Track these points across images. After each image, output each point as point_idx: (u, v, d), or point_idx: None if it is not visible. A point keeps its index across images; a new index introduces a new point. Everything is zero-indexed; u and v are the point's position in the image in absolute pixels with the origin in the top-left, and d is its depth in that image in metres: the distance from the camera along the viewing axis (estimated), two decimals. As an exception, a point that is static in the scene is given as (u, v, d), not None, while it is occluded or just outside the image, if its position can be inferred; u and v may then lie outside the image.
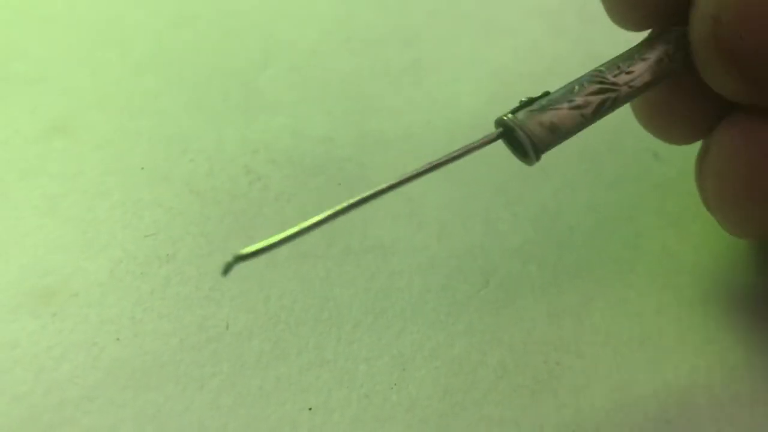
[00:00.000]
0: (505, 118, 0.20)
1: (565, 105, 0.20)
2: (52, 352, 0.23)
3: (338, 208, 0.19)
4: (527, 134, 0.20)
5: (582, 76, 0.20)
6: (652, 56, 0.20)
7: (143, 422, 0.22)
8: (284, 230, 0.18)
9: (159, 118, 0.29)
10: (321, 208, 0.27)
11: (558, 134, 0.20)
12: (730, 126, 0.21)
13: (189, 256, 0.25)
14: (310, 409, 0.22)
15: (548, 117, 0.20)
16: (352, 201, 0.19)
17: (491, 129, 0.30)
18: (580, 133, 0.30)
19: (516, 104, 0.20)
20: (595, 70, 0.20)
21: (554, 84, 0.31)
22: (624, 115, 0.30)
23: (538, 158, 0.20)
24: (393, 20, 0.33)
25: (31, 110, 0.29)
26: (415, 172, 0.19)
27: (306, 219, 0.27)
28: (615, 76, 0.20)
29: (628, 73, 0.20)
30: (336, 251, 0.26)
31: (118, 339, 0.23)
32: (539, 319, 0.24)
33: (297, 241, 0.26)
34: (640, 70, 0.20)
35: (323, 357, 0.23)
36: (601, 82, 0.20)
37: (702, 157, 0.23)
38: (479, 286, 0.25)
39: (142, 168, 0.27)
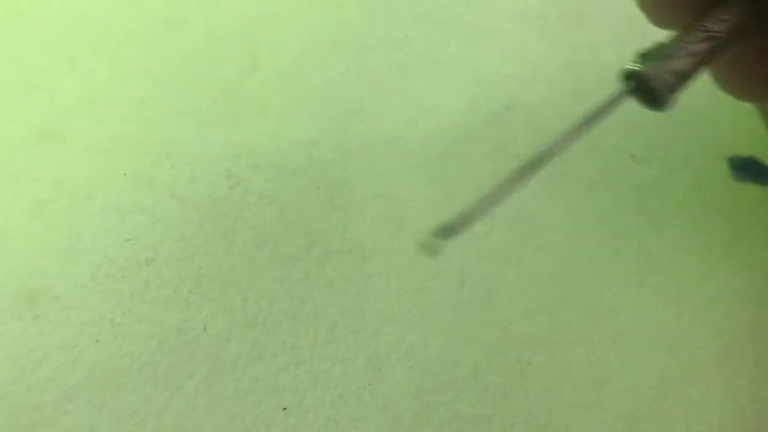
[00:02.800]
0: (637, 69, 0.21)
1: (682, 53, 0.21)
2: (33, 354, 0.23)
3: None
4: (661, 81, 0.20)
5: (687, 28, 0.21)
6: (737, 5, 0.21)
7: (121, 422, 0.22)
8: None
9: (145, 124, 0.29)
10: (301, 211, 0.27)
11: (684, 80, 0.21)
12: None
13: (168, 259, 0.25)
14: (284, 409, 0.23)
15: (674, 66, 0.20)
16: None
17: (475, 132, 0.30)
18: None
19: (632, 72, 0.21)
20: (697, 22, 0.21)
21: (539, 87, 0.32)
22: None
23: (671, 104, 0.21)
24: (378, 26, 0.33)
25: (20, 117, 0.29)
26: (562, 138, 0.20)
27: (286, 222, 0.27)
28: (715, 24, 0.21)
29: (722, 20, 0.21)
30: (315, 253, 0.26)
31: (97, 341, 0.24)
32: (514, 319, 0.25)
33: (277, 242, 0.26)
34: (731, 17, 0.21)
35: (299, 357, 0.24)
36: (705, 31, 0.21)
37: None
38: (455, 286, 0.26)
39: (125, 174, 0.28)
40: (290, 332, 0.24)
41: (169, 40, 0.32)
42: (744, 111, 0.29)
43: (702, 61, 0.21)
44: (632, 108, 0.30)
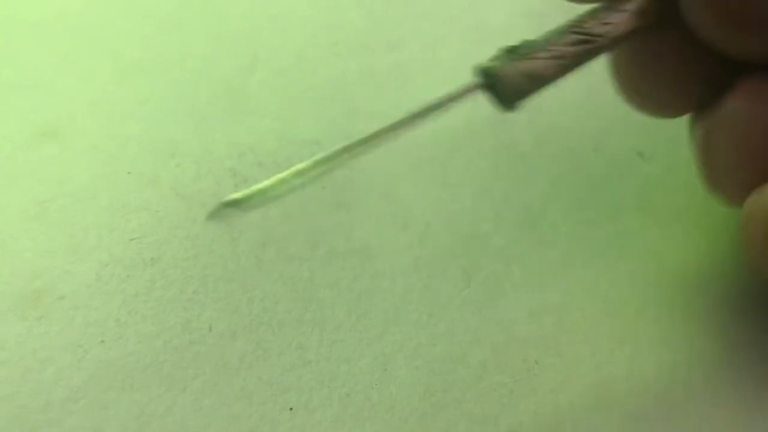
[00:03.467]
0: (485, 66, 0.20)
1: (544, 54, 0.20)
2: (37, 354, 0.23)
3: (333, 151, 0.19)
4: (507, 81, 0.20)
5: (560, 26, 0.21)
6: (630, 8, 0.20)
7: (127, 423, 0.22)
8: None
9: (147, 122, 0.29)
10: (306, 211, 0.27)
11: (537, 82, 0.20)
12: (746, 91, 0.21)
13: (174, 259, 0.25)
14: (291, 409, 0.23)
15: (528, 66, 0.20)
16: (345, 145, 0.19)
17: (479, 131, 0.30)
18: (565, 134, 0.30)
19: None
20: (574, 20, 0.21)
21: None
22: (609, 114, 0.30)
23: (513, 107, 0.20)
24: (379, 24, 0.33)
25: (21, 116, 0.29)
26: (395, 122, 0.20)
27: (291, 222, 0.27)
28: (594, 27, 0.20)
29: (606, 24, 0.20)
30: (321, 253, 0.26)
31: (102, 341, 0.24)
32: (520, 319, 0.25)
33: (282, 242, 0.26)
34: (618, 20, 0.20)
35: (305, 357, 0.24)
36: (578, 33, 0.20)
37: (707, 130, 0.22)
38: (462, 286, 0.25)
39: (129, 172, 0.27)
40: (296, 332, 0.24)
41: (170, 38, 0.32)
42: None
43: (565, 64, 0.20)
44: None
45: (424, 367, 0.24)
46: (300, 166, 0.19)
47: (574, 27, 0.20)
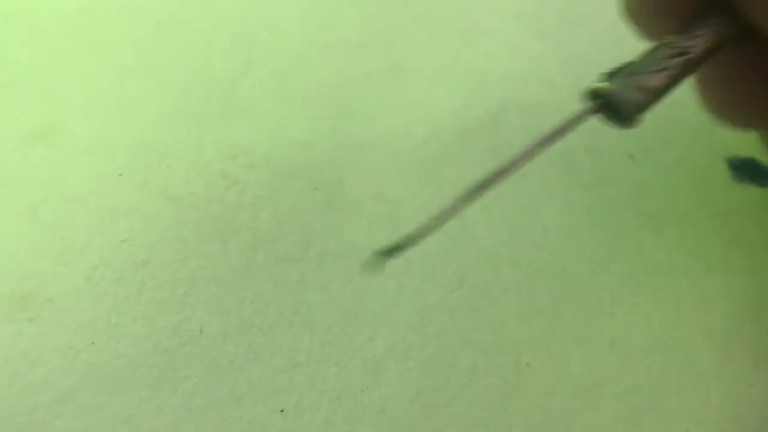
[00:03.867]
0: (600, 87, 0.21)
1: (652, 70, 0.20)
2: (27, 356, 0.23)
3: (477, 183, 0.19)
4: (623, 100, 0.20)
5: (651, 47, 0.21)
6: (714, 21, 0.21)
7: (116, 425, 0.22)
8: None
9: (139, 124, 0.29)
10: (297, 212, 0.27)
11: (652, 95, 0.20)
12: None
13: (164, 261, 0.25)
14: (281, 411, 0.23)
15: (640, 82, 0.20)
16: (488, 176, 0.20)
17: (471, 133, 0.30)
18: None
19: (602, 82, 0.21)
20: (662, 41, 0.21)
21: (535, 87, 0.32)
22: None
23: (633, 122, 0.21)
24: (372, 26, 0.33)
25: (13, 117, 0.29)
26: (519, 156, 0.20)
27: (282, 223, 0.27)
28: (690, 40, 0.21)
29: (701, 36, 0.21)
30: (312, 255, 0.26)
31: (93, 343, 0.23)
32: (511, 321, 0.25)
33: (273, 244, 0.26)
34: (705, 33, 0.21)
35: (296, 360, 0.24)
36: (678, 47, 0.21)
37: None
38: (453, 288, 0.25)
39: (120, 174, 0.27)
40: (286, 334, 0.24)
41: (163, 40, 0.32)
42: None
43: (672, 77, 0.21)
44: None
45: (414, 370, 0.24)
46: (441, 210, 0.19)
47: (667, 44, 0.21)
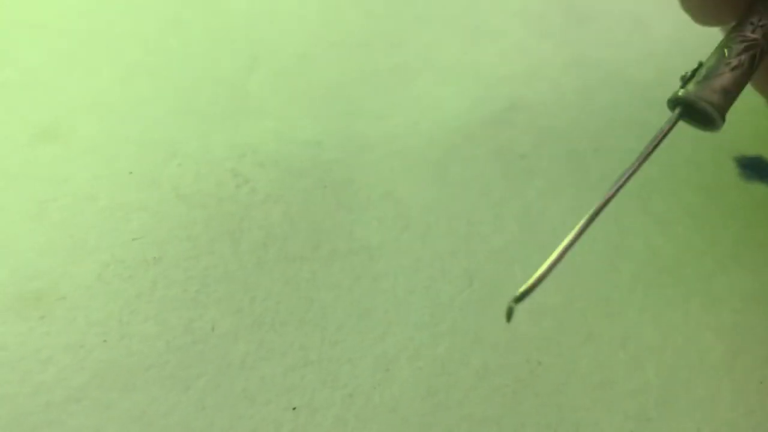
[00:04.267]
0: (681, 95, 0.21)
1: (725, 69, 0.21)
2: (39, 354, 0.23)
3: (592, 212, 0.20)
4: (709, 102, 0.20)
5: (722, 42, 0.21)
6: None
7: (129, 423, 0.22)
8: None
9: (148, 123, 0.29)
10: (307, 211, 0.27)
11: (731, 95, 0.21)
12: None
13: (176, 259, 0.25)
14: (294, 408, 0.23)
15: (717, 83, 0.21)
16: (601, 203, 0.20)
17: (478, 132, 0.30)
18: (565, 135, 0.30)
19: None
20: (732, 33, 0.22)
21: (541, 86, 0.32)
22: (609, 116, 0.31)
23: (723, 121, 0.21)
24: (379, 25, 0.33)
25: (21, 116, 0.29)
26: (622, 178, 0.21)
27: (293, 222, 0.27)
28: (753, 32, 0.21)
29: (762, 26, 0.21)
30: (322, 253, 0.26)
31: (105, 341, 0.23)
32: (522, 319, 0.25)
33: (284, 242, 0.26)
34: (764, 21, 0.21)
35: (307, 358, 0.24)
36: (744, 41, 0.21)
37: None
38: (463, 286, 0.25)
39: (131, 172, 0.27)
40: (298, 332, 0.24)
41: (171, 39, 0.32)
42: (751, 110, 0.29)
43: (745, 72, 0.21)
44: (636, 107, 0.30)
45: (426, 368, 0.24)
46: (562, 246, 0.20)
47: (737, 38, 0.21)
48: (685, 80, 0.21)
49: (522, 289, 0.19)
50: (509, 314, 0.19)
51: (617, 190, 0.21)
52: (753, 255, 0.26)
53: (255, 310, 0.24)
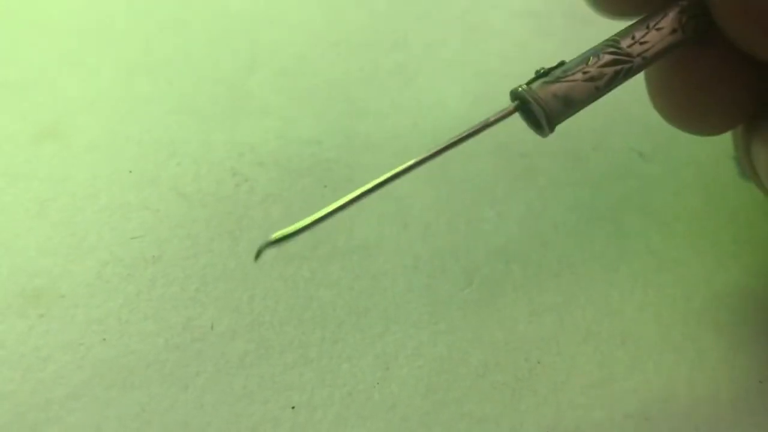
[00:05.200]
0: (520, 89, 0.20)
1: (579, 76, 0.20)
2: (38, 352, 0.23)
3: (367, 187, 0.19)
4: (542, 106, 0.19)
5: (597, 46, 0.20)
6: (666, 26, 0.20)
7: (128, 421, 0.22)
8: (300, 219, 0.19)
9: (148, 122, 0.29)
10: (307, 209, 0.27)
11: (572, 106, 0.20)
12: None
13: (175, 257, 0.25)
14: (293, 407, 0.23)
15: (562, 88, 0.19)
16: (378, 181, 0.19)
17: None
18: (565, 133, 0.30)
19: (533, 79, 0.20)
20: (610, 39, 0.20)
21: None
22: (609, 114, 0.30)
23: (551, 130, 0.20)
24: (380, 24, 0.33)
25: (22, 115, 0.29)
26: (433, 151, 0.20)
27: (293, 221, 0.27)
28: (629, 46, 0.20)
29: (642, 43, 0.20)
30: (321, 252, 0.26)
31: (104, 339, 0.24)
32: (521, 318, 0.25)
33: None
34: (654, 40, 0.20)
35: (307, 356, 0.24)
36: (615, 53, 0.20)
37: (753, 140, 0.21)
38: (462, 285, 0.25)
39: (130, 171, 0.27)
40: (297, 331, 0.24)
41: (171, 38, 0.32)
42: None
43: (601, 87, 0.19)
44: (640, 105, 0.30)
45: (425, 367, 0.24)
46: (332, 206, 0.19)
47: (609, 47, 0.20)
48: (537, 75, 0.20)
49: (279, 234, 0.18)
50: (258, 254, 0.18)
51: (415, 165, 0.20)
52: (753, 254, 0.26)
53: (254, 309, 0.25)
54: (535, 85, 0.20)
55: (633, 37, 0.20)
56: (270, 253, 0.26)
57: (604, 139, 0.30)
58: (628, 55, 0.20)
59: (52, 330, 0.24)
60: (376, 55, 0.32)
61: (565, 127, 0.31)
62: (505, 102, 0.30)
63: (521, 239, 0.27)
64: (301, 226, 0.19)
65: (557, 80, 0.20)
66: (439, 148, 0.20)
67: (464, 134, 0.20)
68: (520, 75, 0.32)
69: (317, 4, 0.33)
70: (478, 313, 0.25)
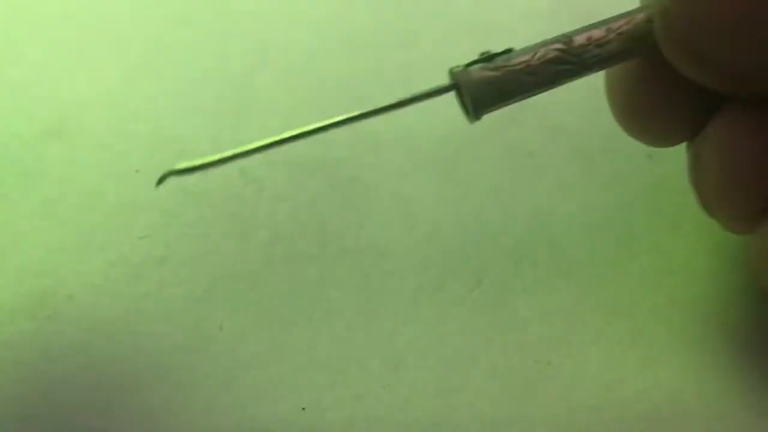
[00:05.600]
0: (456, 69, 0.19)
1: (520, 68, 0.19)
2: (47, 354, 0.23)
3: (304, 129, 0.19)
4: (471, 91, 0.19)
5: (549, 39, 0.19)
6: (627, 32, 0.19)
7: (137, 423, 0.22)
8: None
9: (155, 120, 0.29)
10: (315, 209, 0.27)
11: (504, 97, 0.19)
12: (727, 118, 0.20)
13: (183, 257, 0.25)
14: (303, 408, 0.23)
15: (497, 76, 0.19)
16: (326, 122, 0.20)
17: (488, 131, 0.30)
18: (574, 134, 0.30)
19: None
20: (566, 35, 0.19)
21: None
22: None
23: (478, 117, 0.19)
24: (388, 22, 0.33)
25: (28, 114, 0.29)
26: (363, 112, 0.19)
27: (300, 221, 0.27)
28: (582, 46, 0.19)
29: (598, 46, 0.19)
30: (330, 252, 0.26)
31: (112, 340, 0.23)
32: (531, 319, 0.25)
33: (291, 241, 0.26)
34: (610, 46, 0.19)
35: (316, 357, 0.24)
36: (563, 51, 0.19)
37: (696, 157, 0.22)
38: (472, 286, 0.25)
39: (137, 170, 0.27)
40: (306, 332, 0.24)
41: (178, 36, 0.32)
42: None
43: (539, 83, 0.19)
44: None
45: (435, 368, 0.24)
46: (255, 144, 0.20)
47: (559, 44, 0.19)
48: (480, 58, 0.19)
49: (185, 164, 0.18)
50: (160, 180, 0.18)
51: (342, 122, 0.20)
52: (763, 255, 0.26)
53: (263, 309, 0.24)
54: (473, 68, 0.19)
55: (589, 38, 0.19)
56: (278, 253, 0.26)
57: (613, 140, 0.29)
58: (577, 56, 0.19)
59: (59, 331, 0.24)
60: (383, 54, 0.32)
61: (573, 128, 0.31)
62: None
63: (530, 240, 0.27)
64: (209, 161, 0.18)
65: (496, 68, 0.19)
66: (366, 110, 0.20)
67: (393, 103, 0.20)
68: (528, 74, 0.32)
69: (325, 2, 0.33)
70: (488, 314, 0.25)
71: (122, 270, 0.25)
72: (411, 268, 0.26)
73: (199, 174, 0.27)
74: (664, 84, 0.21)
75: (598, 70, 0.20)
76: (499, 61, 0.19)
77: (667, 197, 0.28)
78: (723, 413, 0.23)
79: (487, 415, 0.23)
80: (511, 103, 0.19)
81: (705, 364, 0.24)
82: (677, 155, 0.29)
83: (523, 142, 0.29)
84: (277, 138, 0.19)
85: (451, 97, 0.31)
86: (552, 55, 0.19)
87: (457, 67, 0.19)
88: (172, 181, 0.27)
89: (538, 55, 0.19)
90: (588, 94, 0.31)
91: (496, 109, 0.19)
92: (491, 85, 0.19)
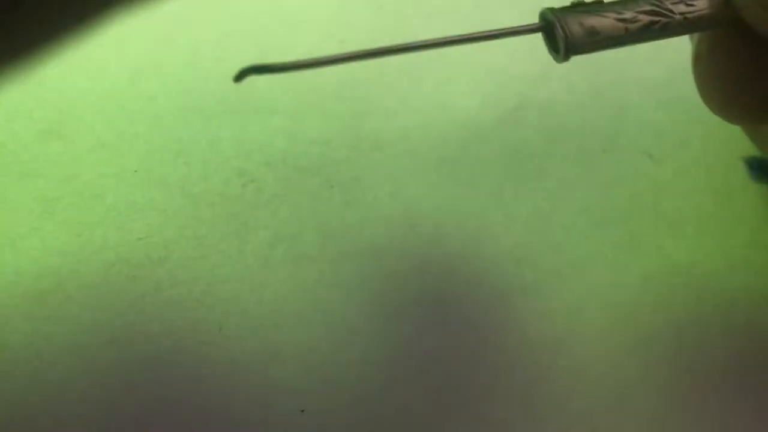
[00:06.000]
0: (548, 11, 0.20)
1: (613, 14, 0.19)
2: (44, 355, 0.23)
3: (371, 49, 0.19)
4: (564, 30, 0.19)
5: None
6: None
7: (136, 425, 0.22)
8: None
9: (154, 121, 0.29)
10: (315, 209, 0.27)
11: (595, 39, 0.19)
12: None
13: (182, 258, 0.25)
14: (302, 411, 0.22)
15: (591, 20, 0.19)
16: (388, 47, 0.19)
17: (488, 131, 0.30)
18: (575, 135, 0.30)
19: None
20: None
21: (552, 85, 0.32)
22: (619, 116, 0.30)
23: (567, 57, 0.20)
24: (388, 22, 0.33)
25: (27, 114, 0.29)
26: (447, 39, 0.19)
27: (300, 221, 0.27)
28: (674, 3, 0.20)
29: (688, 4, 0.20)
30: (330, 253, 0.26)
31: (110, 341, 0.23)
32: (532, 321, 0.24)
33: (291, 241, 0.26)
34: (701, 5, 0.20)
35: (315, 359, 0.23)
36: (657, 4, 0.19)
37: None
38: (473, 287, 0.25)
39: (136, 171, 0.27)
40: (305, 333, 0.24)
41: (178, 36, 0.32)
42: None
43: (632, 33, 0.19)
44: (650, 108, 0.30)
45: (435, 370, 0.23)
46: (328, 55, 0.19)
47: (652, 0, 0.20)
48: (573, 4, 0.20)
49: (271, 63, 0.18)
50: (239, 77, 0.18)
51: (420, 48, 0.20)
52: (764, 256, 0.26)
53: (262, 311, 0.24)
54: (568, 10, 0.20)
55: None
56: (278, 254, 0.26)
57: (614, 141, 0.29)
58: (670, 10, 0.19)
59: (58, 332, 0.23)
60: (383, 54, 0.32)
61: (575, 128, 0.30)
62: (514, 102, 0.30)
63: (531, 241, 0.26)
64: (299, 63, 0.18)
65: (589, 12, 0.19)
66: (449, 38, 0.20)
67: (482, 34, 0.20)
68: (530, 75, 0.32)
69: (326, 2, 0.33)
70: (490, 316, 0.25)
71: (120, 270, 0.25)
72: (411, 269, 0.26)
73: (198, 174, 0.27)
74: (752, 54, 0.21)
75: (687, 30, 0.20)
76: (592, 6, 0.19)
77: (669, 199, 0.28)
78: (727, 417, 0.23)
79: (489, 417, 0.23)
80: (600, 49, 0.20)
81: (710, 365, 0.24)
82: (679, 156, 0.29)
83: (525, 143, 0.29)
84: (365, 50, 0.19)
85: (451, 97, 0.31)
86: (645, 7, 0.19)
87: (549, 9, 0.20)
88: (170, 182, 0.27)
89: (631, 5, 0.19)
90: (588, 94, 0.31)
91: (584, 53, 0.20)
92: (583, 27, 0.19)
